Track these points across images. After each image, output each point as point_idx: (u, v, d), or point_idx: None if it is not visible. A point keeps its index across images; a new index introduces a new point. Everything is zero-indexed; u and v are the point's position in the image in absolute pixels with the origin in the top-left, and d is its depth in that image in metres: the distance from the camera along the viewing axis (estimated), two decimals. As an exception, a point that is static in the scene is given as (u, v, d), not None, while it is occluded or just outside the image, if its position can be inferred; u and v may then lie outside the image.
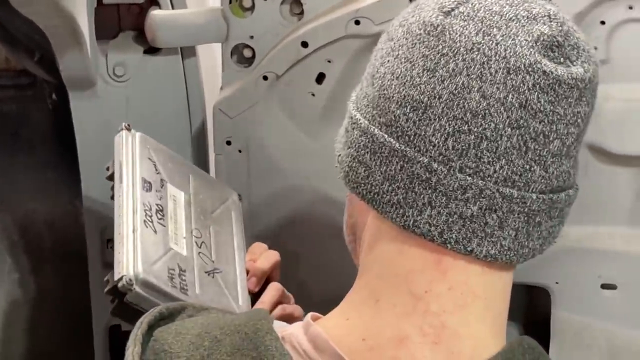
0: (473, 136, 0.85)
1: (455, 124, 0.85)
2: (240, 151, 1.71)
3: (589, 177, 1.65)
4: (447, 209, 0.87)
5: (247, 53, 1.68)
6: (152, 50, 1.79)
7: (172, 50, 1.79)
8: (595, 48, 1.57)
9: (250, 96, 1.67)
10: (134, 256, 1.22)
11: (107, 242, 1.84)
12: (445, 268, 0.89)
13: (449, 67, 0.86)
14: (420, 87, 0.87)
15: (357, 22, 1.59)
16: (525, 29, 0.86)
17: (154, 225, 1.27)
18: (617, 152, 1.62)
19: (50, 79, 1.90)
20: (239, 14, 1.66)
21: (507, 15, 0.87)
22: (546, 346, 1.75)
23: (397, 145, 0.88)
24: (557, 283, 1.72)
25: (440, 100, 0.86)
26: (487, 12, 0.87)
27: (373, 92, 0.92)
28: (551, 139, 0.87)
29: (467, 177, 0.86)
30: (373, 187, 0.91)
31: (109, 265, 1.83)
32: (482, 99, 0.85)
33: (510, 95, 0.84)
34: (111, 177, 1.36)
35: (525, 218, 0.89)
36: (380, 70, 0.92)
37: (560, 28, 0.87)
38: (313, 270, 1.73)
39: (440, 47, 0.87)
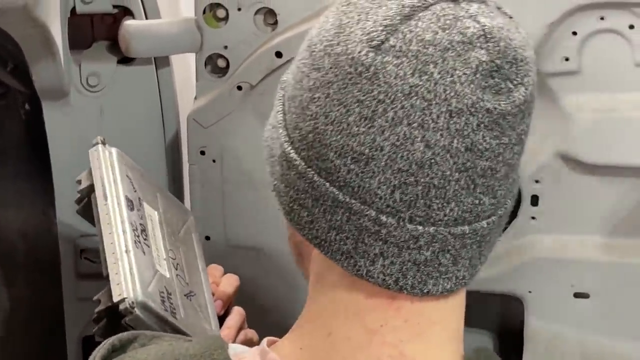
0: (420, 187, 0.81)
1: (401, 177, 0.81)
2: (214, 161, 1.71)
3: (561, 187, 1.66)
4: (400, 258, 0.84)
5: (221, 63, 1.68)
6: (125, 60, 1.78)
7: (146, 60, 1.78)
8: (567, 59, 1.58)
9: (225, 106, 1.67)
10: (131, 278, 1.20)
11: (81, 253, 1.84)
12: (399, 306, 0.87)
13: (387, 117, 0.80)
14: (359, 138, 0.82)
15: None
16: (462, 60, 0.80)
17: (142, 245, 1.26)
18: (589, 161, 1.63)
19: (23, 89, 1.89)
20: (212, 24, 1.66)
21: (442, 44, 0.80)
22: (519, 355, 1.76)
23: (340, 196, 0.84)
24: (530, 292, 1.72)
25: (383, 152, 0.81)
26: (420, 44, 0.81)
27: (306, 128, 0.86)
28: (498, 168, 0.84)
29: (418, 226, 0.83)
30: (319, 234, 0.86)
31: (82, 275, 1.83)
32: (426, 149, 0.80)
33: (455, 141, 0.80)
34: (86, 192, 1.34)
35: (478, 245, 0.87)
36: (312, 108, 0.85)
37: (498, 48, 0.81)
38: (283, 281, 1.74)
39: (376, 92, 0.81)
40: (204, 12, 1.65)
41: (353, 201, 0.83)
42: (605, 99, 1.61)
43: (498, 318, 1.88)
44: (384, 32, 0.81)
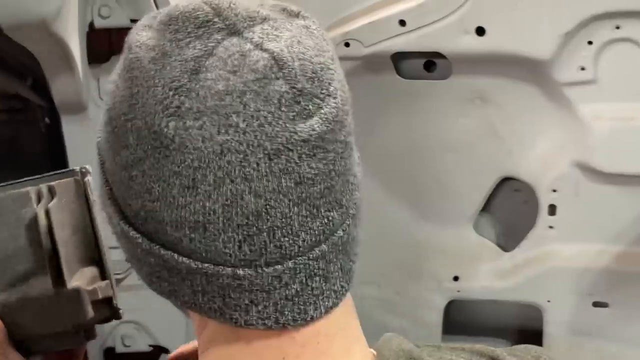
0: (265, 233, 0.78)
1: (243, 231, 0.78)
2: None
3: (579, 196, 1.66)
4: (272, 300, 0.81)
5: (235, 76, 1.69)
6: (143, 73, 1.79)
7: (164, 73, 1.79)
8: (583, 68, 1.58)
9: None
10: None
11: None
12: (291, 336, 0.84)
13: (209, 181, 0.76)
14: (189, 208, 0.77)
15: (347, 45, 1.61)
16: (262, 98, 0.75)
17: None
18: (606, 171, 1.63)
19: (43, 103, 1.91)
20: (229, 37, 1.66)
21: (237, 89, 0.75)
22: (538, 364, 1.75)
23: (192, 264, 0.79)
24: (548, 301, 1.72)
25: (217, 215, 0.77)
26: (215, 98, 0.75)
27: (135, 206, 0.81)
28: (334, 182, 0.80)
29: (276, 266, 0.80)
30: (186, 299, 0.82)
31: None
32: (257, 199, 0.77)
33: (283, 181, 0.77)
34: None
35: (343, 253, 0.84)
36: (133, 186, 0.80)
37: (293, 70, 0.77)
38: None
39: (189, 160, 0.76)
40: (221, 25, 1.66)
41: (206, 265, 0.80)
42: (622, 108, 1.61)
43: (516, 327, 1.88)
44: (176, 96, 0.76)
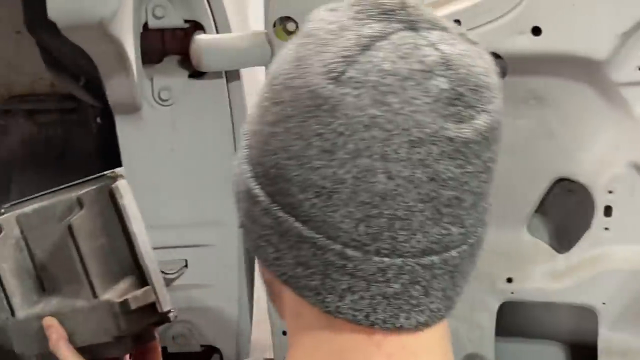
0: (385, 219, 0.79)
1: (364, 209, 0.79)
2: (284, 173, 1.71)
3: (635, 197, 1.64)
4: (369, 292, 0.81)
5: (291, 76, 1.69)
6: (197, 74, 1.80)
7: (217, 73, 1.80)
8: (640, 68, 1.58)
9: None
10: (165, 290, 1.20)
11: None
12: (378, 341, 0.84)
13: (348, 149, 0.78)
14: (320, 172, 0.79)
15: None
16: (422, 88, 0.78)
17: None
18: (663, 171, 1.61)
19: (96, 103, 1.92)
20: (283, 37, 1.67)
21: (401, 73, 0.78)
22: (593, 367, 1.75)
23: (305, 231, 0.81)
24: (603, 304, 1.71)
25: (345, 185, 0.79)
26: (379, 74, 0.78)
27: (268, 163, 0.84)
28: (465, 197, 0.81)
29: (384, 258, 0.80)
30: (287, 270, 0.84)
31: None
32: (388, 180, 0.78)
33: (417, 171, 0.78)
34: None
35: (450, 276, 0.84)
36: (272, 142, 0.83)
37: (458, 75, 0.79)
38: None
39: (335, 124, 0.78)
40: (274, 25, 1.66)
41: (318, 236, 0.81)
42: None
43: (570, 330, 1.87)
44: (343, 64, 0.79)
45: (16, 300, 1.21)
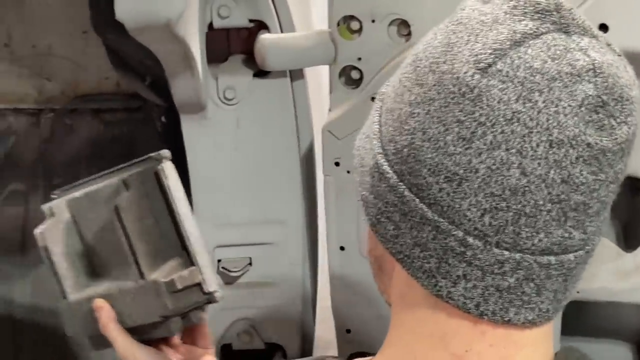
0: (511, 213, 0.80)
1: (493, 201, 0.80)
2: (348, 172, 1.72)
3: None
4: (483, 282, 0.83)
5: (354, 75, 1.69)
6: (261, 73, 1.82)
7: (281, 73, 1.81)
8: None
9: (359, 117, 1.65)
10: (212, 271, 1.21)
11: (218, 263, 1.87)
12: (483, 330, 0.85)
13: (486, 139, 0.80)
14: (454, 158, 0.81)
15: (467, 43, 1.60)
16: (569, 91, 0.79)
17: None
18: None
19: (160, 102, 1.94)
20: (347, 36, 1.67)
21: (550, 73, 0.79)
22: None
23: (429, 213, 0.83)
24: (672, 301, 1.69)
25: (477, 175, 0.80)
26: (527, 71, 0.79)
27: (402, 142, 0.85)
28: (592, 204, 0.82)
29: (504, 251, 0.82)
30: (403, 249, 0.86)
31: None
32: (522, 176, 0.79)
33: (552, 171, 0.79)
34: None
35: (563, 278, 0.84)
36: (410, 122, 0.84)
37: (605, 83, 0.79)
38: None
39: (477, 114, 0.80)
40: (338, 24, 1.67)
41: (441, 220, 0.83)
42: None
43: (637, 329, 1.85)
44: (493, 56, 0.80)
45: (68, 283, 1.23)
